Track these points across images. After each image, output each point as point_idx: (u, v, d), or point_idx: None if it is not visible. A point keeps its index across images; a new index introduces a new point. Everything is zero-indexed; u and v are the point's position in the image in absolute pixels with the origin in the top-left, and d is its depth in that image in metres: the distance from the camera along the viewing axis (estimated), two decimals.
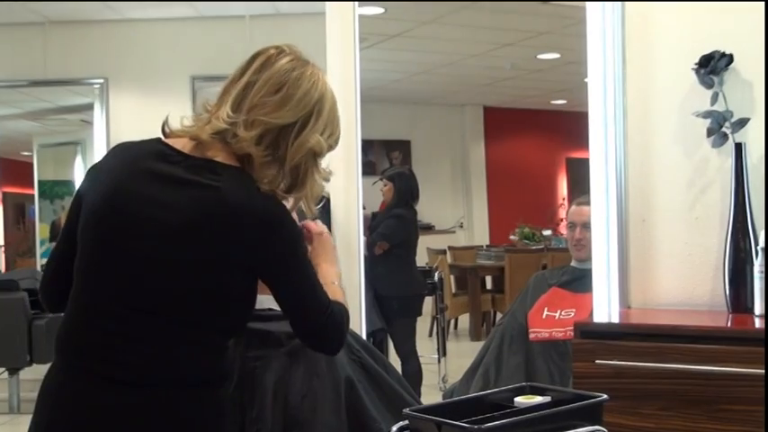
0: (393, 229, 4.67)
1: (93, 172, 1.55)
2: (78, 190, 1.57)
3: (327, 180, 1.61)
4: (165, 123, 1.55)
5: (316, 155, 1.54)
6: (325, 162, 2.89)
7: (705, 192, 2.35)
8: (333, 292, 1.59)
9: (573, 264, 3.09)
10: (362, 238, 2.75)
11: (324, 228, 1.72)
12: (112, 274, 1.48)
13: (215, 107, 1.52)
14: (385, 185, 4.89)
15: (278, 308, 1.86)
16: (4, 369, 5.04)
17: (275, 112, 1.49)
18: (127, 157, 1.53)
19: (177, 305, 1.46)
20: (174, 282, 1.45)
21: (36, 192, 5.97)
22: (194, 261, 1.45)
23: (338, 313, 1.56)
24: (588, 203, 2.63)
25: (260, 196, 1.48)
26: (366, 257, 4.42)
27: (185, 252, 1.44)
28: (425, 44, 6.98)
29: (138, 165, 1.50)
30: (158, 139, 1.54)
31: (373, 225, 4.80)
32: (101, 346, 1.47)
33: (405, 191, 4.79)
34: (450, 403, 1.63)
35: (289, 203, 1.56)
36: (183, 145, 1.51)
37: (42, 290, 1.63)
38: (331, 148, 1.59)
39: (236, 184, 1.46)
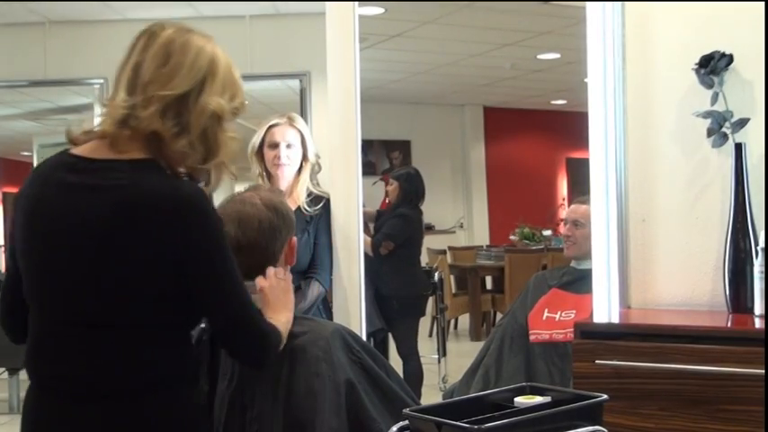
0: (397, 229, 4.66)
1: (18, 198, 1.55)
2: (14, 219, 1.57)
3: (236, 140, 1.57)
4: (69, 132, 1.54)
5: (219, 118, 1.53)
6: (325, 161, 2.91)
7: (705, 192, 2.35)
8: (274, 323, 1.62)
9: (572, 264, 3.09)
10: (362, 238, 2.74)
11: (266, 282, 1.76)
12: (52, 294, 1.49)
13: (111, 99, 1.51)
14: (390, 185, 4.89)
15: None
16: (4, 369, 5.04)
17: (169, 83, 1.48)
18: (39, 176, 1.53)
19: (117, 312, 1.46)
20: (108, 289, 1.45)
21: None
22: (121, 265, 1.44)
23: (261, 322, 1.56)
24: (585, 202, 2.63)
25: (171, 184, 1.48)
26: (371, 257, 4.46)
27: (109, 258, 1.44)
28: (425, 44, 6.97)
29: (49, 180, 1.50)
30: (65, 151, 1.54)
31: (378, 225, 4.79)
32: (59, 365, 1.48)
33: (410, 191, 4.78)
34: (451, 403, 1.63)
35: (212, 178, 1.56)
36: (87, 149, 1.51)
37: (1, 323, 1.63)
38: (237, 111, 1.58)
39: (143, 177, 1.46)
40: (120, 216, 1.44)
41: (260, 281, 1.77)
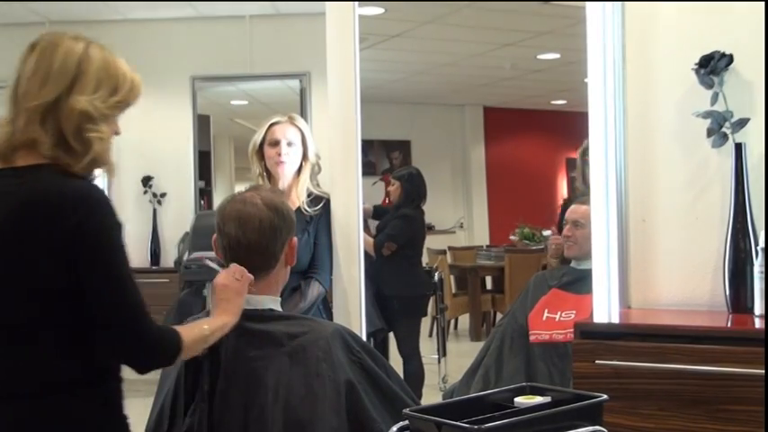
0: (400, 230, 4.65)
1: None
2: None
3: (103, 141, 1.58)
4: None
5: (90, 117, 1.54)
6: (325, 161, 2.91)
7: (705, 192, 2.35)
8: (187, 329, 1.63)
9: (572, 264, 3.08)
10: (362, 238, 2.74)
11: (221, 279, 1.78)
12: None
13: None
14: (392, 185, 4.89)
15: (278, 308, 1.87)
16: None
17: (39, 92, 1.52)
18: None
19: (17, 313, 1.49)
20: (8, 292, 1.49)
21: None
22: (16, 268, 1.48)
23: (151, 326, 1.55)
24: (585, 202, 2.63)
25: (61, 183, 1.50)
26: (371, 257, 4.47)
27: (5, 262, 1.49)
28: (425, 44, 6.97)
29: None
30: None
31: (380, 225, 4.79)
32: None
33: (412, 191, 4.78)
34: (451, 403, 1.63)
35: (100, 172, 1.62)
36: None
37: None
38: (120, 104, 1.61)
39: (32, 180, 1.50)
40: (9, 221, 1.48)
41: (219, 276, 1.79)
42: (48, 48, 1.56)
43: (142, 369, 1.59)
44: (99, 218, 1.50)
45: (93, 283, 1.50)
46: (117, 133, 1.64)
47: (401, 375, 2.01)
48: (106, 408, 1.59)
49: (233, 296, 1.77)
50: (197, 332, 1.66)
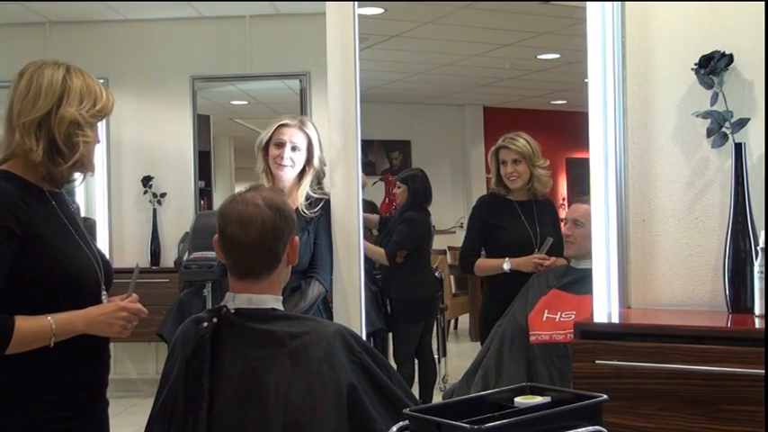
0: (405, 235, 4.65)
1: None
2: None
3: (88, 143, 1.84)
4: None
5: (78, 124, 1.82)
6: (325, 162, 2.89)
7: (705, 192, 2.35)
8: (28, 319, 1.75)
9: (572, 264, 3.08)
10: (363, 238, 2.74)
11: (119, 304, 1.89)
12: None
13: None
14: (398, 188, 4.89)
15: (280, 308, 1.88)
16: None
17: (32, 108, 1.80)
18: None
19: None
20: None
21: None
22: None
23: None
24: (586, 202, 2.63)
25: None
26: (372, 261, 4.48)
27: None
28: (425, 44, 6.97)
29: None
30: None
31: (387, 230, 4.78)
32: None
33: (417, 193, 4.78)
34: (451, 403, 1.64)
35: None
36: None
37: None
38: (99, 114, 1.87)
39: None
40: None
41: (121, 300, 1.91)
42: (35, 72, 1.84)
43: None
44: None
45: None
46: (97, 141, 1.92)
47: (400, 377, 2.00)
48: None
49: (106, 315, 1.86)
50: (35, 324, 1.74)
